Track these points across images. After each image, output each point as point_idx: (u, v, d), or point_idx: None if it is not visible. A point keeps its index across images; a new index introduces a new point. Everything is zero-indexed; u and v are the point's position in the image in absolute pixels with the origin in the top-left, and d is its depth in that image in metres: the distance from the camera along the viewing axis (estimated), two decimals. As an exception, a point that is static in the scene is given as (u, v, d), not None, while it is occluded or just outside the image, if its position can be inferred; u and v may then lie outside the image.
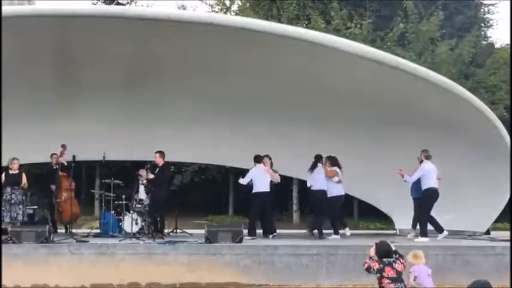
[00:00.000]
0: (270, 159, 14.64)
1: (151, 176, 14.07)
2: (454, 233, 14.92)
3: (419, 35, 24.74)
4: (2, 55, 12.06)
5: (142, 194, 14.70)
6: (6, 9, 11.39)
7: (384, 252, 7.75)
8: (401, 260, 7.73)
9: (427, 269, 9.24)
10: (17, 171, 13.40)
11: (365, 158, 15.35)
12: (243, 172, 15.11)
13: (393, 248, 7.87)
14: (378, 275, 7.59)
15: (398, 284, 7.42)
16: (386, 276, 7.52)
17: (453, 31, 26.67)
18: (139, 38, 12.35)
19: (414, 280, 9.01)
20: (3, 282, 11.27)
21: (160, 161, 14.20)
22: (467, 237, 14.97)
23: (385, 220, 21.19)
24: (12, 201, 13.13)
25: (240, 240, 12.60)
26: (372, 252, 7.82)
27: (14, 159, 13.48)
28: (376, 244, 7.89)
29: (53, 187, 14.74)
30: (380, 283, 7.59)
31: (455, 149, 14.87)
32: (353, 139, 15.62)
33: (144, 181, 14.64)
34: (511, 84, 13.53)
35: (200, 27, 11.81)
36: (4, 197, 13.14)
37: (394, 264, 7.63)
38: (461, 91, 13.83)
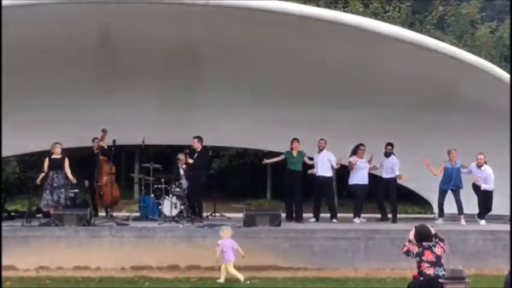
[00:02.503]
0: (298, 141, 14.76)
1: (190, 160, 14.19)
2: (494, 218, 14.81)
3: (459, 18, 24.43)
4: (2, 53, 12.21)
5: (181, 178, 14.84)
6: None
7: (423, 236, 7.72)
8: (441, 244, 7.70)
9: (233, 243, 10.50)
10: (59, 156, 13.57)
11: (404, 142, 15.23)
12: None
13: (433, 232, 7.85)
14: (417, 258, 7.57)
15: (438, 267, 7.38)
16: (426, 260, 7.49)
17: (493, 14, 26.28)
18: (177, 23, 12.40)
19: (222, 252, 10.39)
20: (46, 264, 11.54)
21: (198, 146, 14.30)
22: (507, 222, 14.83)
23: (423, 204, 21.08)
24: (55, 185, 13.33)
25: (278, 224, 12.65)
26: (411, 235, 7.81)
27: (56, 143, 13.67)
28: (416, 228, 7.86)
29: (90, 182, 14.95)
30: (419, 267, 7.57)
31: (496, 133, 14.68)
32: (391, 123, 15.52)
33: (183, 165, 14.78)
34: (511, 78, 13.53)
35: (237, 11, 11.82)
36: (47, 181, 13.36)
37: (433, 248, 7.60)
38: (502, 74, 13.65)
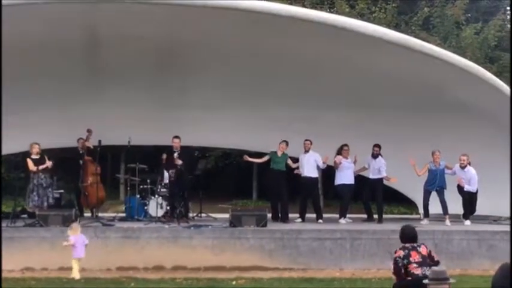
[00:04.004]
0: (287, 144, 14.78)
1: (179, 161, 14.02)
2: (479, 218, 14.89)
3: (444, 19, 24.55)
4: (2, 52, 12.15)
5: (167, 178, 14.79)
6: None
7: (411, 236, 7.72)
8: (425, 244, 7.73)
9: (84, 239, 10.79)
10: (38, 156, 13.44)
11: (389, 143, 15.29)
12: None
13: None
14: (405, 261, 7.54)
15: (425, 267, 7.36)
16: (413, 261, 7.48)
17: (478, 15, 26.44)
18: (164, 24, 12.35)
19: (72, 246, 10.67)
20: (31, 264, 11.49)
21: (179, 146, 14.19)
22: (492, 222, 14.94)
23: (408, 205, 21.16)
24: (44, 185, 13.25)
25: (264, 224, 12.66)
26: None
27: (33, 143, 13.53)
28: (403, 228, 7.87)
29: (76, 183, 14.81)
30: (406, 268, 7.54)
31: (480, 134, 14.77)
32: (377, 123, 15.56)
33: (169, 165, 14.73)
34: (511, 80, 13.71)
35: (225, 12, 11.80)
36: (33, 182, 13.28)
37: (418, 248, 7.61)
38: (486, 75, 13.72)
